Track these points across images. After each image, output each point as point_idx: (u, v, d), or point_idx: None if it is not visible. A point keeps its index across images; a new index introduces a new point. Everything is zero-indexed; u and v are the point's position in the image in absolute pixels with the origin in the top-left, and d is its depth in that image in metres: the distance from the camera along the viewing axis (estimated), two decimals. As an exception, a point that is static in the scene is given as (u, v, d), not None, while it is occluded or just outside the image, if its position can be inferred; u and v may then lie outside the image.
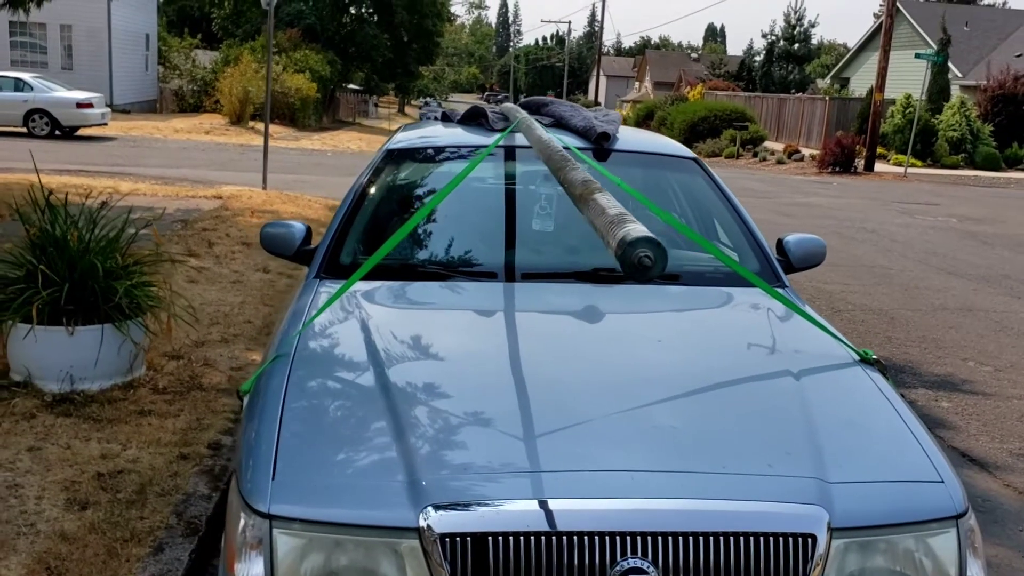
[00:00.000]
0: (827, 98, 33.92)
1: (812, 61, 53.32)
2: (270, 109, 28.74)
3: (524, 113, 3.80)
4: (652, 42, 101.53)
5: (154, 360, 4.74)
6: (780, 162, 27.91)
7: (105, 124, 22.17)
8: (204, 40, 38.84)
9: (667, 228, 3.75)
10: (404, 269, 3.28)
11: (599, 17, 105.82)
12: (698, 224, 3.88)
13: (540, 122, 3.95)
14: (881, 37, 27.79)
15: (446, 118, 4.33)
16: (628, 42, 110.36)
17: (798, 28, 50.98)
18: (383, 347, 2.63)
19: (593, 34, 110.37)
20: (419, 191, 3.80)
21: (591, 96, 76.95)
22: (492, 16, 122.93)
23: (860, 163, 25.46)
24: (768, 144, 31.09)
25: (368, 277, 3.13)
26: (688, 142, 32.83)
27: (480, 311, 3.01)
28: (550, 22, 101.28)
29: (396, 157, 3.82)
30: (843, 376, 2.60)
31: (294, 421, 2.22)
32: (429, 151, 3.93)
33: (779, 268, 3.43)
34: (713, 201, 3.75)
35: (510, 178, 3.70)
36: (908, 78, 30.96)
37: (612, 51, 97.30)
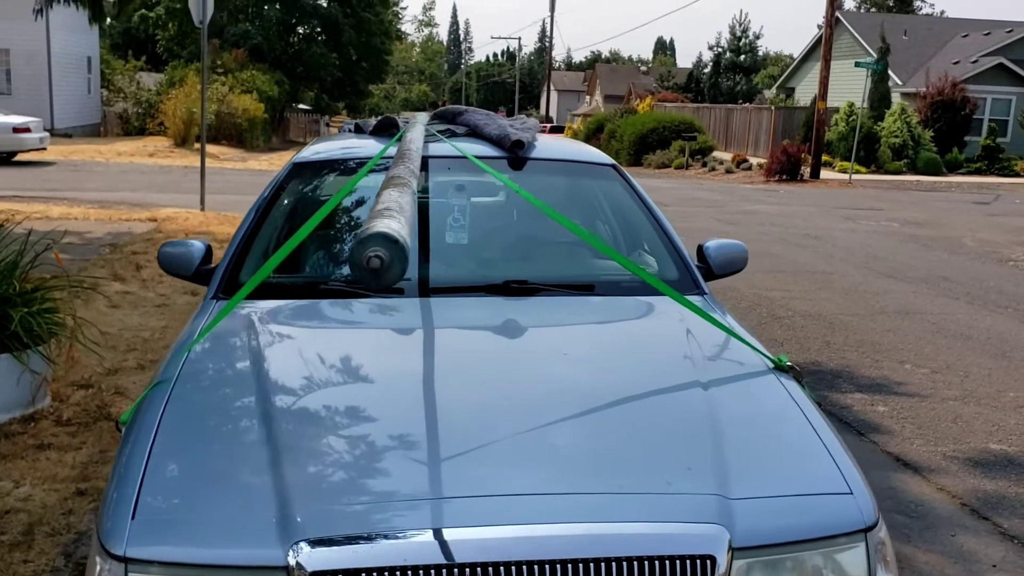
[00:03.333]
0: (773, 108, 34.33)
1: (759, 72, 54.03)
2: (218, 130, 28.61)
3: (421, 121, 3.69)
4: (603, 56, 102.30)
5: (60, 390, 4.52)
6: (729, 171, 28.13)
7: (44, 148, 21.65)
8: (149, 62, 38.37)
9: (578, 238, 3.67)
10: (307, 287, 3.14)
11: (548, 33, 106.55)
12: (618, 232, 3.78)
13: (454, 131, 3.84)
14: (822, 48, 28.27)
15: (359, 130, 4.20)
16: (579, 56, 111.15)
17: (743, 40, 51.64)
18: (275, 371, 2.47)
19: (544, 49, 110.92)
20: (324, 205, 3.67)
21: (543, 111, 77.27)
22: (443, 33, 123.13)
23: (806, 171, 25.74)
24: (717, 154, 31.35)
25: (268, 296, 2.98)
26: (638, 154, 33.02)
27: (384, 329, 2.86)
28: (500, 38, 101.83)
29: (302, 170, 3.68)
30: (755, 385, 2.51)
31: (165, 455, 2.06)
32: (336, 163, 3.78)
33: (699, 275, 3.34)
34: (632, 208, 3.66)
35: (422, 190, 3.58)
36: (851, 87, 31.42)
37: (563, 66, 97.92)
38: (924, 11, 68.98)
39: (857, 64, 26.19)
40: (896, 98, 31.25)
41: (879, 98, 29.67)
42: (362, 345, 2.71)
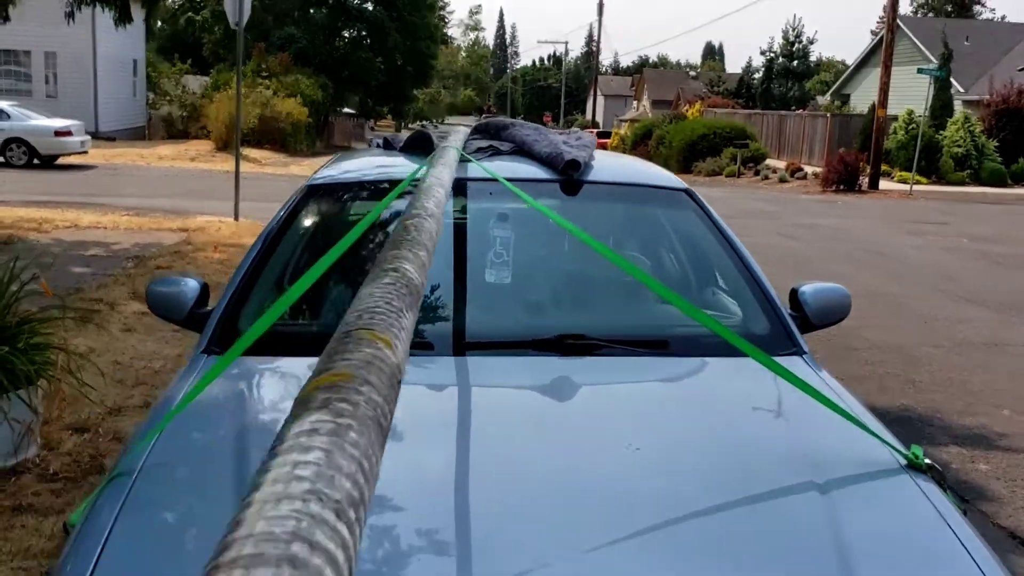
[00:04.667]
0: (828, 115, 33.31)
1: (811, 78, 52.85)
2: (261, 134, 28.35)
3: (459, 138, 3.09)
4: (650, 61, 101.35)
5: (53, 435, 4.01)
6: (783, 180, 27.24)
7: (85, 152, 21.53)
8: (195, 66, 38.39)
9: (639, 283, 3.07)
10: (317, 340, 2.57)
11: (596, 37, 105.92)
12: (692, 271, 3.17)
13: (499, 148, 3.25)
14: (882, 53, 27.17)
15: (388, 145, 3.63)
16: (626, 61, 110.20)
17: (796, 45, 50.55)
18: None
19: (591, 54, 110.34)
20: (352, 240, 3.11)
21: (588, 115, 76.58)
22: (489, 38, 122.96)
23: (864, 181, 24.77)
24: (770, 162, 30.45)
25: (271, 350, 2.43)
26: (687, 161, 32.21)
27: (407, 404, 2.26)
28: (547, 43, 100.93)
29: (319, 194, 3.10)
30: (888, 494, 1.89)
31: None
32: (358, 186, 3.21)
33: (795, 329, 2.71)
34: (710, 242, 3.04)
35: (459, 218, 3.00)
36: (909, 94, 30.32)
37: (609, 70, 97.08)
38: (984, 16, 67.26)
39: (919, 71, 25.19)
40: (958, 106, 30.10)
41: (940, 106, 28.53)
42: None
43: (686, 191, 3.15)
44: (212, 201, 14.54)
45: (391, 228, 3.02)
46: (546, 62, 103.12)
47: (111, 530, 1.67)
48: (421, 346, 2.45)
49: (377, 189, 3.12)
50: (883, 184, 25.22)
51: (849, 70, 42.86)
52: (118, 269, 7.79)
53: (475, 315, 2.69)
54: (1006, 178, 27.17)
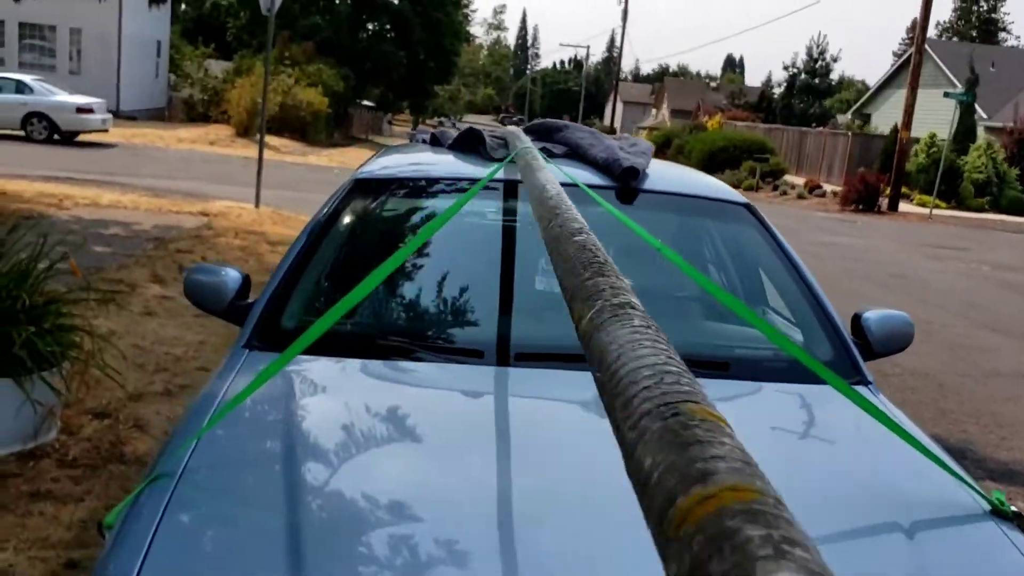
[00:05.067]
0: (850, 133, 33.15)
1: (833, 96, 52.64)
2: (281, 122, 28.28)
3: (527, 141, 2.98)
4: (670, 70, 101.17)
5: (73, 420, 3.91)
6: (801, 196, 27.08)
7: (106, 130, 21.49)
8: (219, 50, 38.36)
9: (700, 292, 2.95)
10: (356, 341, 2.46)
11: (618, 43, 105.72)
12: (751, 291, 3.06)
13: (551, 151, 3.14)
14: (908, 74, 26.93)
15: (436, 142, 3.52)
16: (646, 68, 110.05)
17: (820, 62, 50.33)
18: (312, 471, 1.81)
19: (611, 59, 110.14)
20: (394, 235, 2.99)
21: (607, 121, 76.37)
22: (511, 38, 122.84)
23: (884, 202, 24.59)
24: (788, 177, 30.27)
25: (313, 350, 2.33)
26: (706, 171, 31.86)
27: (455, 415, 2.15)
28: (569, 46, 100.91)
29: (367, 189, 2.97)
30: (975, 542, 1.78)
31: None
32: (410, 183, 3.09)
33: (858, 356, 2.60)
34: (771, 260, 2.92)
35: (509, 221, 2.89)
36: (932, 117, 30.14)
37: (630, 77, 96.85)
38: (1009, 43, 66.93)
39: (946, 95, 25.04)
40: (980, 132, 29.89)
41: (964, 131, 28.31)
42: (425, 441, 2.00)
43: (747, 206, 3.03)
44: (231, 186, 14.46)
45: (457, 232, 2.92)
46: (567, 65, 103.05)
47: (154, 534, 1.57)
48: (473, 352, 2.35)
49: (429, 186, 3.02)
50: (902, 206, 25.04)
51: (872, 90, 42.66)
52: (139, 251, 7.70)
53: (524, 324, 2.58)
54: (1026, 207, 26.97)
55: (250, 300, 2.67)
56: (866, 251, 15.19)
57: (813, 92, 50.55)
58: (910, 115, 24.58)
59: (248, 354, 2.33)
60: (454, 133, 3.42)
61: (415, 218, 2.99)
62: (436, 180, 3.02)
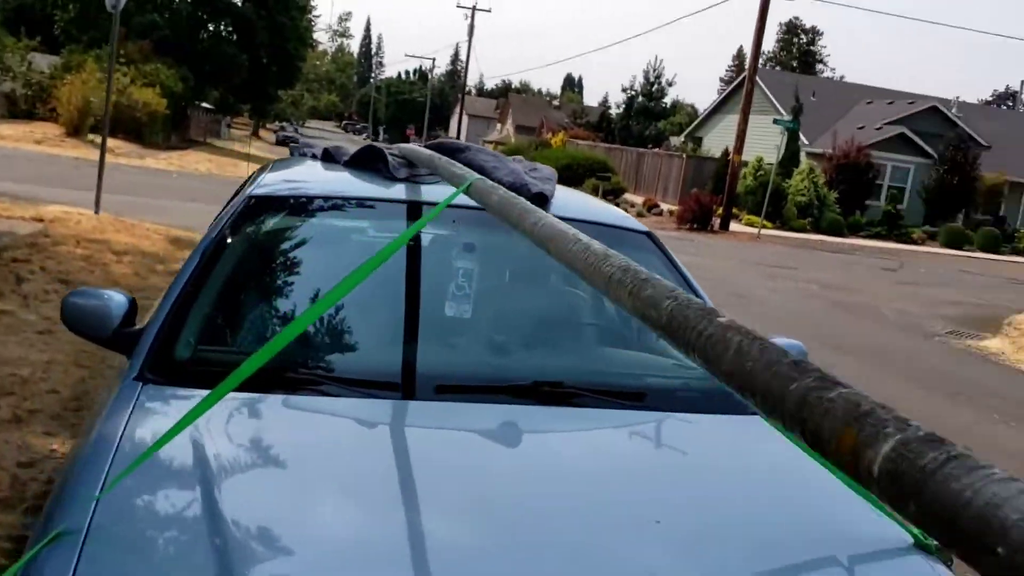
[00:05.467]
0: (684, 156, 34.71)
1: (667, 118, 54.91)
2: (115, 123, 26.82)
3: (445, 160, 2.92)
4: (513, 86, 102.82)
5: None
6: (640, 215, 28.05)
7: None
8: (45, 43, 35.97)
9: (609, 320, 3.02)
10: (263, 375, 2.32)
11: (462, 56, 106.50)
12: None
13: (437, 168, 3.12)
14: (737, 100, 28.59)
15: (328, 157, 3.42)
16: (490, 84, 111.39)
17: (656, 85, 52.43)
18: (227, 524, 1.65)
19: (456, 72, 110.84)
20: (299, 259, 2.87)
21: (453, 134, 76.77)
22: (355, 45, 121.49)
23: (716, 222, 25.85)
24: (628, 196, 31.35)
25: (209, 381, 2.19)
26: (550, 188, 32.70)
27: (367, 454, 1.99)
28: (415, 57, 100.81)
29: (264, 208, 2.83)
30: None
31: None
32: (310, 202, 2.97)
33: None
34: None
35: (413, 244, 2.85)
36: (759, 142, 31.97)
37: (474, 91, 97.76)
38: (826, 74, 71.89)
39: (775, 122, 26.64)
40: (803, 157, 31.95)
41: (788, 156, 30.22)
42: (326, 484, 1.83)
43: (648, 234, 3.12)
44: (65, 190, 13.59)
45: (355, 257, 2.84)
46: (411, 76, 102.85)
47: None
48: (375, 386, 2.25)
49: (332, 206, 2.93)
50: (733, 226, 26.41)
51: (703, 114, 44.77)
52: (-32, 259, 7.12)
53: (434, 353, 2.54)
54: (843, 228, 29.01)
55: (138, 327, 2.49)
56: (706, 269, 15.88)
57: (649, 114, 52.61)
58: (742, 140, 25.98)
59: (142, 387, 2.15)
60: (349, 148, 3.35)
61: (320, 239, 2.90)
62: (339, 199, 2.94)
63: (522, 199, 1.87)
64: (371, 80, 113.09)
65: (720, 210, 25.86)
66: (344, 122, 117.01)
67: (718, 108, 41.97)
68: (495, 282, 2.96)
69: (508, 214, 1.77)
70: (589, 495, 1.90)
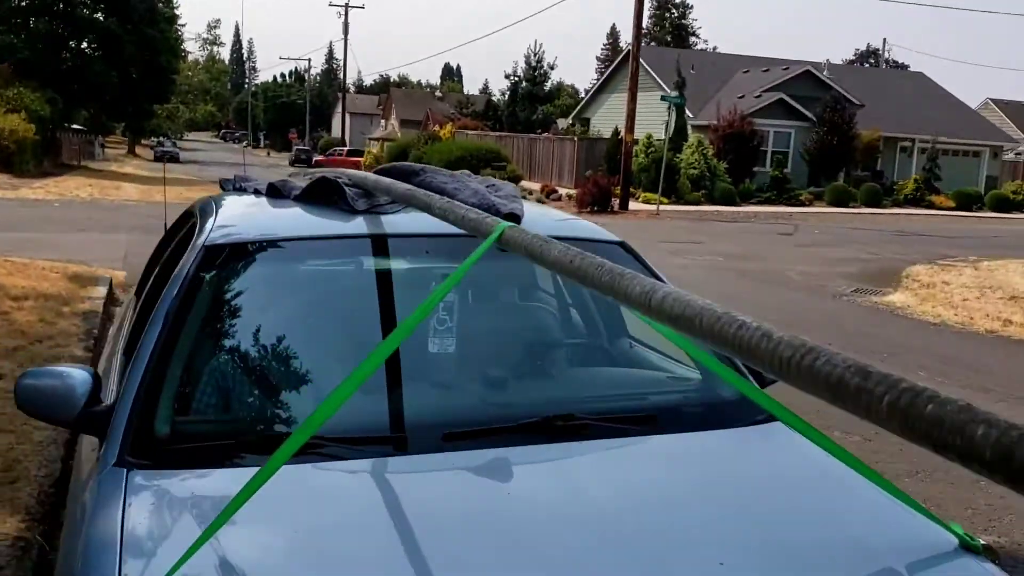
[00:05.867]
0: (576, 139, 34.99)
1: (552, 102, 55.22)
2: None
3: (403, 187, 2.70)
4: (392, 80, 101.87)
5: None
6: (540, 202, 28.14)
7: None
8: None
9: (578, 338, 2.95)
10: (245, 444, 2.14)
11: (337, 55, 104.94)
12: (615, 327, 3.08)
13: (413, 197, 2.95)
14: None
15: (275, 192, 3.19)
16: (368, 80, 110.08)
17: (538, 70, 52.62)
18: None
19: (332, 71, 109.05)
20: (275, 309, 2.65)
21: (336, 133, 75.53)
22: (226, 53, 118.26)
23: (615, 202, 26.17)
24: (525, 183, 31.44)
25: (192, 463, 2.01)
26: (445, 182, 32.45)
27: (384, 526, 1.81)
28: (289, 59, 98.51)
29: (224, 256, 2.60)
30: None
31: None
32: (274, 246, 2.71)
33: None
34: None
35: (384, 282, 2.69)
36: (646, 118, 32.46)
37: (353, 88, 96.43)
38: (699, 46, 73.63)
39: (663, 98, 27.11)
40: (688, 131, 32.64)
41: (677, 131, 30.82)
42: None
43: (621, 243, 3.05)
44: (-60, 233, 12.74)
45: (323, 299, 2.67)
46: (288, 78, 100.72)
47: None
48: (365, 442, 2.09)
49: (301, 248, 2.73)
50: (632, 205, 26.79)
51: (589, 95, 45.26)
52: None
53: (431, 397, 2.40)
54: (735, 197, 29.78)
55: (104, 404, 2.26)
56: (615, 251, 16.05)
57: (535, 99, 52.77)
58: (632, 119, 26.33)
59: (129, 474, 1.95)
60: (298, 183, 3.14)
61: (292, 285, 2.71)
62: (303, 239, 2.75)
63: (572, 247, 1.72)
64: (246, 86, 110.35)
65: (618, 190, 26.18)
66: (222, 131, 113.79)
67: (602, 88, 42.48)
68: (475, 312, 2.84)
69: (568, 266, 1.63)
70: (641, 535, 1.82)
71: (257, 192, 3.30)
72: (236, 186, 3.57)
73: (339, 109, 72.83)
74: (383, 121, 71.43)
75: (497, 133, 42.89)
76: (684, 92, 30.69)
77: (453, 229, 2.66)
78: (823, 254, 17.11)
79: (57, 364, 2.43)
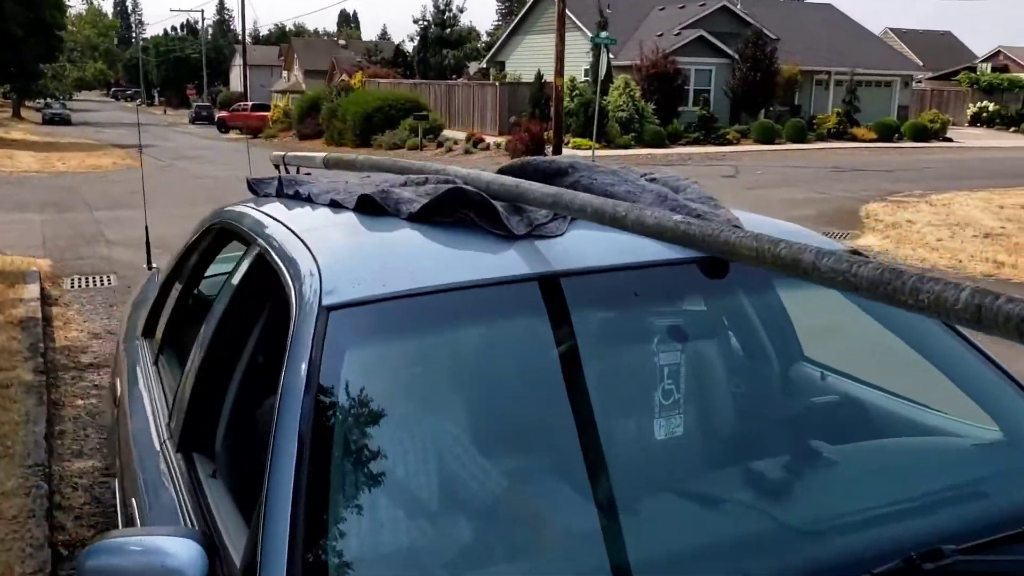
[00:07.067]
0: (498, 84, 33.90)
1: (463, 46, 53.76)
2: None
3: (596, 201, 1.84)
4: (289, 29, 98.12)
5: None
6: (468, 152, 27.20)
7: None
8: None
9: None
10: None
11: (228, 4, 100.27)
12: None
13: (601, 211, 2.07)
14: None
15: (371, 206, 2.10)
16: (264, 30, 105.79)
17: (448, 13, 51.07)
18: None
19: (224, 22, 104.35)
20: (450, 410, 1.83)
21: (235, 87, 72.20)
22: (108, 7, 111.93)
23: (549, 149, 25.36)
24: (448, 133, 30.39)
25: None
26: (364, 134, 31.18)
27: None
28: (181, 11, 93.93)
29: (356, 326, 1.72)
30: None
31: None
32: (419, 308, 1.77)
33: None
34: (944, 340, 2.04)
35: (570, 348, 1.85)
36: (568, 61, 31.60)
37: (250, 39, 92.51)
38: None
39: (594, 38, 26.18)
40: (611, 72, 31.88)
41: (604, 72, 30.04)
42: None
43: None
44: None
45: (486, 383, 1.85)
46: (180, 31, 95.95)
47: None
48: None
49: (460, 302, 1.85)
50: (565, 152, 26.03)
51: (503, 38, 43.99)
52: None
53: (665, 527, 1.62)
54: (664, 138, 29.33)
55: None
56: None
57: (445, 43, 51.28)
58: (561, 62, 25.40)
59: None
60: (403, 193, 2.16)
61: (458, 364, 1.88)
62: (458, 292, 1.83)
63: None
64: (133, 40, 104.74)
65: (551, 136, 25.38)
66: (113, 89, 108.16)
67: (515, 30, 41.26)
68: (704, 374, 2.04)
69: None
70: None
71: (335, 204, 2.33)
72: (282, 191, 2.61)
73: (237, 62, 69.53)
74: (285, 72, 68.65)
75: (411, 81, 41.44)
76: (606, 32, 29.86)
77: (651, 255, 1.91)
78: (774, 196, 16.73)
79: (140, 528, 1.56)
